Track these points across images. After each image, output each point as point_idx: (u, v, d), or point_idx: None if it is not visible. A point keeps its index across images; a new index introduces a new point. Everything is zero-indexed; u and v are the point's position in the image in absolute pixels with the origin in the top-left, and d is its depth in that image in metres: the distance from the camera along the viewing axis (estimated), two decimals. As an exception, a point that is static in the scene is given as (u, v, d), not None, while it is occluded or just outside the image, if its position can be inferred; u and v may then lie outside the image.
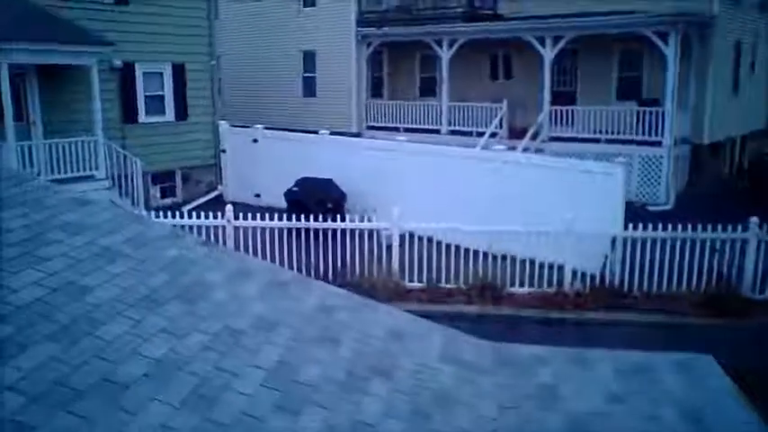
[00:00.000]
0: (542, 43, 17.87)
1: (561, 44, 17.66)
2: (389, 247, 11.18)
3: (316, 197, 14.00)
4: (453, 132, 20.05)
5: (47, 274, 3.81)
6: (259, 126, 17.08)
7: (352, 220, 10.98)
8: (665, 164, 16.42)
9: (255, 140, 17.05)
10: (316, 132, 22.39)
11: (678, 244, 10.37)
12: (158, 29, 16.37)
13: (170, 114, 17.00)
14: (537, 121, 18.10)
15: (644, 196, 16.79)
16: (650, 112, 16.56)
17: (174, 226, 11.03)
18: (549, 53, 17.82)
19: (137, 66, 16.17)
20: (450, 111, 20.10)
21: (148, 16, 16.12)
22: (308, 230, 11.06)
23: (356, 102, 21.88)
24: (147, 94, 16.51)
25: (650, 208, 16.26)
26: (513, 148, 17.66)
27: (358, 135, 21.88)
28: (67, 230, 4.62)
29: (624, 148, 16.90)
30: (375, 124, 21.82)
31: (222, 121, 17.94)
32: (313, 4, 22.35)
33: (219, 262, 5.12)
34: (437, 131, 20.36)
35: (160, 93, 16.78)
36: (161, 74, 16.74)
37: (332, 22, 21.84)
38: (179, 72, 17.03)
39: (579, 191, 11.43)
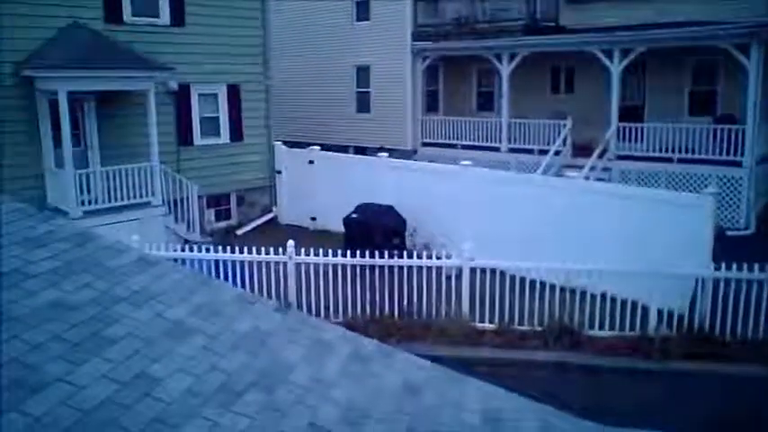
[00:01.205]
0: (610, 57, 16.99)
1: (630, 57, 16.75)
2: (453, 278, 10.57)
3: (376, 225, 13.48)
4: (513, 150, 19.29)
5: (115, 363, 3.39)
6: (315, 147, 16.65)
7: (419, 256, 10.39)
8: (746, 185, 15.37)
9: (311, 162, 16.63)
10: (369, 149, 22.07)
11: (777, 286, 9.47)
12: (214, 49, 16.12)
13: (225, 136, 16.72)
14: (604, 138, 17.22)
15: (722, 220, 15.73)
16: (728, 130, 15.53)
17: (239, 262, 10.67)
18: (616, 67, 16.93)
19: (192, 88, 15.93)
20: (510, 127, 19.34)
21: (204, 37, 15.88)
22: (372, 267, 10.50)
23: (411, 118, 21.30)
24: (203, 115, 16.27)
25: (730, 233, 15.22)
26: (580, 167, 16.92)
27: (414, 152, 21.35)
28: (134, 302, 4.27)
29: (699, 168, 15.98)
30: (431, 141, 21.19)
31: (277, 142, 17.59)
32: (367, 18, 21.87)
33: (295, 333, 4.69)
34: (496, 149, 19.62)
35: (215, 114, 16.52)
36: (216, 95, 16.48)
37: (386, 36, 21.32)
38: (234, 93, 16.75)
39: (664, 223, 10.62)
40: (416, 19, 20.76)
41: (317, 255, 10.57)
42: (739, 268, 9.57)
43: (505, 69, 19.06)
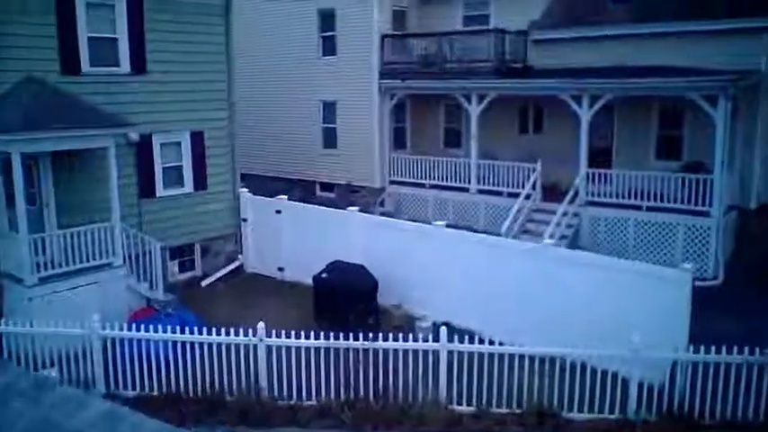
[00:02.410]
0: (579, 102, 16.96)
1: (599, 104, 16.74)
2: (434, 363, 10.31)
3: (347, 288, 13.15)
4: (483, 191, 19.14)
5: None
6: (283, 196, 16.23)
7: (395, 339, 10.07)
8: (714, 236, 15.46)
9: (279, 212, 16.20)
10: (337, 186, 21.74)
11: (755, 369, 9.43)
12: (177, 96, 15.57)
13: (189, 185, 16.16)
14: (573, 181, 17.18)
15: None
16: (696, 180, 15.60)
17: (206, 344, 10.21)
18: (585, 113, 16.90)
19: (154, 137, 15.34)
20: (479, 168, 19.19)
21: (167, 84, 15.32)
22: (347, 348, 10.15)
23: (379, 156, 21.00)
24: (165, 165, 15.68)
25: (698, 283, 15.24)
26: (550, 212, 16.90)
27: (382, 190, 21.10)
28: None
29: (668, 217, 16.03)
30: (399, 179, 20.92)
31: (243, 189, 17.10)
32: (333, 53, 21.49)
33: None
34: (466, 190, 19.45)
35: (178, 163, 15.94)
36: (179, 143, 15.91)
37: (353, 73, 20.99)
38: (198, 140, 16.20)
39: (640, 296, 10.54)
40: (383, 56, 20.46)
41: (288, 336, 10.17)
42: (718, 350, 9.49)
43: (474, 110, 18.90)
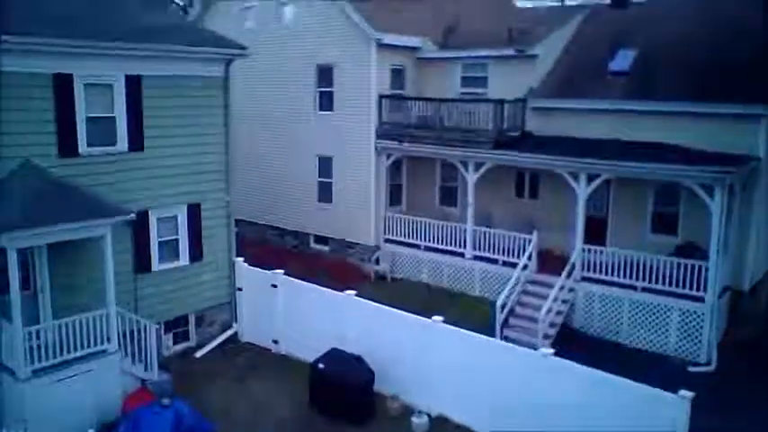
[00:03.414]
0: (576, 179, 17.02)
1: (597, 183, 16.81)
2: None
3: (343, 381, 13.13)
4: (478, 258, 19.16)
5: None
6: (279, 271, 16.13)
7: None
8: (707, 321, 15.56)
9: (275, 286, 16.13)
10: (331, 240, 21.69)
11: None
12: (174, 170, 15.49)
13: (184, 258, 16.05)
14: (569, 261, 17.24)
15: (683, 352, 15.94)
16: (691, 266, 15.69)
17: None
18: (583, 191, 16.96)
19: (150, 213, 15.23)
20: (475, 234, 19.21)
21: (164, 159, 15.24)
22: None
23: (374, 214, 20.97)
24: (161, 239, 15.57)
25: (691, 369, 15.41)
26: (546, 285, 16.99)
27: (376, 248, 21.09)
28: None
29: (662, 299, 16.13)
30: (394, 238, 20.91)
31: (239, 258, 17.01)
32: (330, 108, 21.43)
33: None
34: (461, 254, 19.47)
35: (174, 237, 15.83)
36: (175, 217, 15.80)
37: (350, 129, 20.96)
38: (194, 212, 16.10)
39: (634, 413, 10.59)
40: (381, 115, 20.43)
41: None
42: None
43: (471, 177, 18.92)
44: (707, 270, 15.48)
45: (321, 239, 22.63)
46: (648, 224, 18.08)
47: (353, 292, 14.81)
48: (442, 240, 19.89)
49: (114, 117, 14.38)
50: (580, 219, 17.20)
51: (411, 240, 20.54)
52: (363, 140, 20.66)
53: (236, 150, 17.21)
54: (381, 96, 20.34)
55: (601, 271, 17.07)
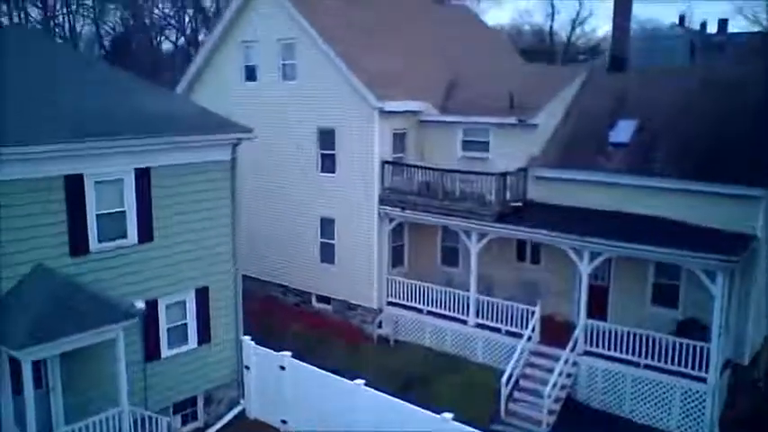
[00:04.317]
0: (579, 255, 17.25)
1: (599, 260, 17.06)
2: None
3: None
4: (481, 326, 19.37)
5: None
6: (287, 353, 16.24)
7: None
8: (710, 401, 15.84)
9: (282, 367, 16.24)
10: (333, 300, 21.82)
11: None
12: (183, 257, 15.60)
13: (193, 341, 16.16)
14: (573, 336, 17.48)
15: (686, 429, 16.21)
16: (693, 346, 15.98)
17: None
18: (586, 267, 17.21)
19: (160, 301, 15.33)
20: (477, 302, 19.41)
21: (173, 247, 15.33)
22: None
23: (377, 277, 21.10)
24: (171, 325, 15.67)
25: (695, 450, 15.70)
26: (549, 357, 17.20)
27: (379, 311, 21.23)
28: None
29: (664, 377, 16.40)
30: (396, 301, 21.07)
31: (245, 337, 17.10)
32: (332, 171, 21.55)
33: None
34: (464, 321, 19.67)
35: (183, 322, 15.93)
36: (184, 302, 15.90)
37: (352, 193, 21.09)
38: (202, 296, 16.21)
39: None
40: (383, 180, 20.58)
41: None
42: None
43: (474, 247, 19.12)
44: (708, 351, 15.76)
45: (324, 299, 22.76)
46: (649, 295, 18.33)
47: (362, 381, 14.91)
48: (445, 306, 20.07)
49: (124, 211, 14.47)
50: (583, 294, 17.44)
51: (414, 304, 20.71)
52: (366, 205, 20.80)
53: (239, 209, 17.18)
54: (384, 162, 20.49)
55: (603, 345, 17.30)
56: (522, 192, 19.58)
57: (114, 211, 14.30)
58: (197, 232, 15.82)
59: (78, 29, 51.88)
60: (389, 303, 21.21)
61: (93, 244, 13.95)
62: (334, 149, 21.38)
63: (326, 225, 22.05)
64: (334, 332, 21.48)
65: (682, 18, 72.64)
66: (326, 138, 21.51)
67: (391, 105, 20.17)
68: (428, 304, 20.42)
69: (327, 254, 22.21)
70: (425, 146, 21.74)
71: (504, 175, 18.76)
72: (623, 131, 18.99)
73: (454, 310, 19.91)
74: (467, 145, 21.03)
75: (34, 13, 48.88)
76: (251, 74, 23.23)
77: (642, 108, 19.65)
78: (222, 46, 23.76)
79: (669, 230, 16.89)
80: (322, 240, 22.24)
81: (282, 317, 22.56)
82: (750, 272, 16.84)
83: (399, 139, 21.20)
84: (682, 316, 17.69)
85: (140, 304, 14.79)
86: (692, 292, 17.48)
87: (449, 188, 19.57)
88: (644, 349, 16.67)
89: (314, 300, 23.02)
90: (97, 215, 13.94)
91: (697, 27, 72.95)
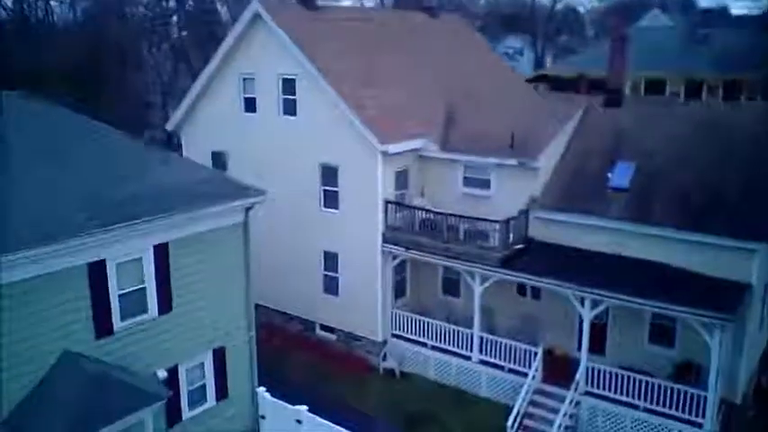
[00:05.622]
0: (581, 302, 17.90)
1: (600, 309, 17.73)
2: None
3: None
4: (484, 362, 20.07)
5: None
6: (303, 407, 16.78)
7: None
8: (706, 447, 16.78)
9: (299, 422, 16.80)
10: (337, 330, 22.32)
11: None
12: (200, 322, 15.99)
13: (211, 399, 16.64)
14: (575, 379, 18.25)
15: (684, 474, 17.20)
16: (691, 394, 16.82)
17: None
18: (587, 313, 17.88)
19: (180, 367, 15.74)
20: (481, 340, 20.07)
21: (191, 314, 15.68)
22: None
23: (381, 310, 21.62)
24: (190, 388, 16.11)
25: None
26: (553, 397, 17.96)
27: (383, 343, 21.81)
28: None
29: (664, 421, 17.29)
30: (401, 334, 21.66)
31: (260, 388, 17.61)
32: (335, 207, 21.83)
33: None
34: (467, 357, 20.36)
35: (201, 383, 16.38)
36: (202, 364, 16.32)
37: (355, 229, 21.42)
38: (219, 356, 16.64)
39: None
40: (387, 219, 20.93)
41: None
42: None
43: (477, 288, 19.68)
44: (705, 400, 16.61)
45: (328, 328, 23.27)
46: (647, 335, 19.08)
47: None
48: (450, 342, 20.71)
49: (144, 287, 14.73)
50: (585, 339, 18.14)
51: (418, 338, 21.31)
52: (369, 242, 21.13)
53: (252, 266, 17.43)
54: (387, 202, 20.80)
55: (604, 386, 18.10)
56: (524, 232, 20.07)
57: (135, 288, 14.56)
58: (213, 298, 16.16)
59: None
60: (394, 336, 21.79)
61: (117, 323, 14.26)
62: (337, 186, 21.61)
63: (329, 258, 22.41)
64: (339, 363, 22.08)
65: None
66: (329, 174, 21.71)
67: (394, 148, 20.39)
68: (432, 339, 21.03)
69: (331, 286, 22.63)
70: (427, 181, 22.06)
71: (507, 221, 19.20)
72: (623, 175, 19.45)
73: (458, 346, 20.56)
74: (468, 181, 21.38)
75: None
76: (251, 105, 23.20)
77: (640, 148, 20.10)
78: (220, 76, 23.62)
79: (669, 279, 17.57)
80: (325, 273, 22.62)
81: (287, 345, 23.09)
82: (743, 318, 17.60)
83: (401, 177, 21.48)
84: (678, 356, 18.49)
85: (162, 373, 15.27)
86: (688, 333, 18.20)
87: (452, 224, 19.98)
88: (643, 392, 17.48)
89: (317, 328, 23.52)
90: (119, 295, 14.22)
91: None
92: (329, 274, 22.58)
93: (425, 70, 24.83)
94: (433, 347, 21.05)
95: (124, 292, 14.33)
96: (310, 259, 22.74)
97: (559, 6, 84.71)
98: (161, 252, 14.91)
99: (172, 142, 28.17)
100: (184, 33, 53.58)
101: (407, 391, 20.80)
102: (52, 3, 51.92)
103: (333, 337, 23.12)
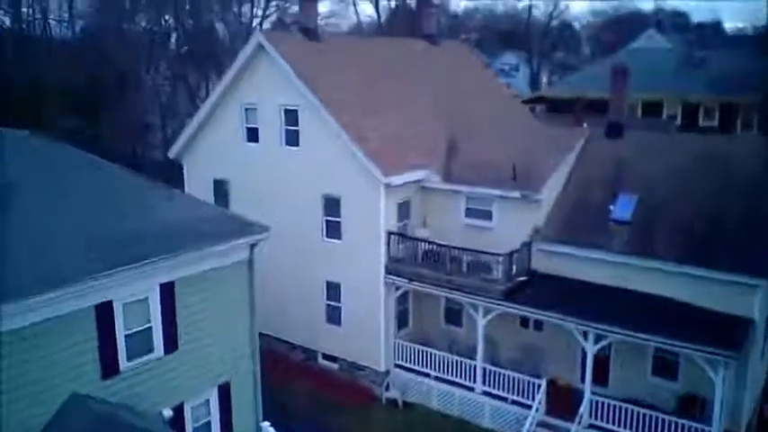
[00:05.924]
0: (584, 336, 17.98)
1: (604, 342, 17.81)
2: None
3: None
4: (488, 393, 20.10)
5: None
6: (307, 443, 16.81)
7: None
8: (710, 481, 16.81)
9: (304, 457, 16.81)
10: (339, 359, 22.28)
11: None
12: (206, 359, 15.94)
13: (216, 435, 16.61)
14: (579, 412, 18.30)
15: None
16: (694, 429, 16.88)
17: None
18: (591, 347, 17.96)
19: (185, 405, 15.70)
20: (484, 371, 20.11)
21: (196, 351, 15.65)
22: None
23: (384, 340, 21.66)
24: (195, 425, 16.07)
25: None
26: (557, 429, 17.99)
27: (386, 373, 21.81)
28: None
29: (668, 456, 17.31)
30: (404, 364, 21.70)
31: (265, 423, 17.59)
32: (338, 237, 21.88)
33: None
34: (471, 389, 20.39)
35: (207, 419, 16.33)
36: (207, 401, 16.29)
37: (358, 260, 21.48)
38: (225, 392, 16.59)
39: None
40: (389, 251, 20.99)
41: None
42: None
43: (480, 320, 19.75)
44: (710, 435, 16.72)
45: (330, 357, 23.27)
46: (650, 367, 19.16)
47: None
48: (452, 372, 20.74)
49: (151, 327, 14.71)
50: (588, 372, 18.22)
51: (421, 369, 21.33)
52: (371, 273, 21.20)
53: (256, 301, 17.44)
54: (390, 233, 20.88)
55: (608, 420, 18.15)
56: (527, 264, 20.15)
57: (141, 328, 14.55)
58: (218, 333, 16.14)
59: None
60: (397, 366, 21.81)
61: (123, 364, 14.21)
62: (339, 217, 21.69)
63: (332, 288, 22.45)
64: (342, 392, 22.07)
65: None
66: (332, 204, 21.79)
67: (397, 180, 20.51)
68: (436, 369, 21.06)
69: (333, 315, 22.66)
70: (429, 211, 22.17)
71: (511, 254, 19.30)
72: (625, 208, 19.58)
73: (462, 377, 20.59)
74: (470, 212, 21.49)
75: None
76: (253, 135, 23.30)
77: (641, 179, 20.26)
78: (223, 104, 23.73)
79: (672, 313, 17.68)
80: (328, 302, 22.66)
81: (289, 374, 23.06)
82: (746, 352, 17.69)
83: (403, 208, 21.57)
84: (682, 389, 18.58)
85: (168, 412, 15.21)
86: (691, 366, 18.29)
87: (455, 256, 20.06)
88: (647, 427, 17.53)
89: (320, 357, 23.51)
90: (125, 335, 14.21)
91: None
92: (332, 303, 22.62)
93: (427, 99, 24.99)
94: (437, 378, 21.09)
95: (131, 332, 14.29)
96: (313, 289, 22.77)
97: (555, 23, 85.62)
98: (167, 291, 14.90)
99: (174, 165, 28.24)
100: (184, 49, 53.70)
101: (410, 422, 20.82)
102: (51, 21, 52.28)
103: (335, 366, 23.12)
